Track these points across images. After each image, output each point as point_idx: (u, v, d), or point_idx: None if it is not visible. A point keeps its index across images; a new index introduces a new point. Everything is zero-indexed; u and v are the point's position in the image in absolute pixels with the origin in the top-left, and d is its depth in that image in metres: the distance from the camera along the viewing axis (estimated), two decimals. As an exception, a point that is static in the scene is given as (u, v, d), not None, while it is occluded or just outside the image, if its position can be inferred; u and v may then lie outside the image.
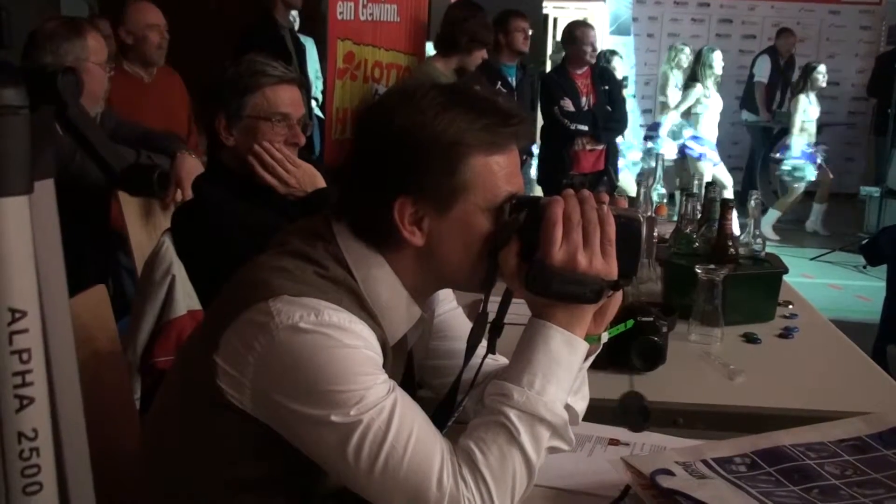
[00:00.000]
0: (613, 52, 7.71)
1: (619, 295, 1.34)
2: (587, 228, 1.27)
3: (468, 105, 1.29)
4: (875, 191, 7.99)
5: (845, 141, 9.39)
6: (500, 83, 5.46)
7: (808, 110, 8.14)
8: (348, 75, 5.59)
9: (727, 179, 7.83)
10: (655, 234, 2.63)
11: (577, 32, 5.78)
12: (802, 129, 8.14)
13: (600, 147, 5.82)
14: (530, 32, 5.80)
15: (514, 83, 5.64)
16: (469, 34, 4.83)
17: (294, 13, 7.69)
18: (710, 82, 7.64)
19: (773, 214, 8.31)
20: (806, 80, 8.20)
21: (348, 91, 5.55)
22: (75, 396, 1.01)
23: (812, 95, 8.16)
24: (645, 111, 9.48)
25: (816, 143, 8.17)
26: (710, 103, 7.71)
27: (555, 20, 13.73)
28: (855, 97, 10.03)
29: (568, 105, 5.61)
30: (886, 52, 9.46)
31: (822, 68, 8.12)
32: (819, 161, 8.08)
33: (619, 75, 7.32)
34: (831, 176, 8.31)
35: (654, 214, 3.22)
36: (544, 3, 12.42)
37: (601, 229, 1.27)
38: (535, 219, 1.28)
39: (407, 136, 1.27)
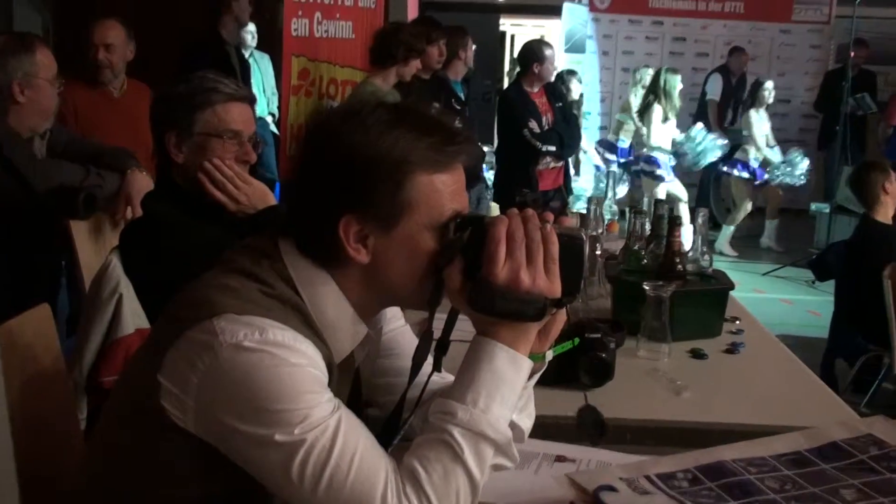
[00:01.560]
0: (572, 73, 7.77)
1: (562, 313, 1.35)
2: (530, 247, 1.28)
3: (413, 124, 1.30)
4: (824, 207, 8.13)
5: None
6: (452, 99, 5.48)
7: (759, 125, 8.29)
8: (303, 91, 5.59)
9: (682, 193, 7.92)
10: (599, 251, 2.65)
11: (544, 51, 5.75)
12: (754, 145, 8.28)
13: (560, 164, 5.86)
14: (472, 48, 5.85)
15: (464, 98, 5.67)
16: (404, 44, 4.81)
17: (252, 29, 7.70)
18: (668, 104, 7.73)
19: (728, 230, 8.42)
20: (754, 96, 8.36)
21: (303, 107, 5.55)
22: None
23: (762, 111, 8.30)
24: (601, 128, 9.57)
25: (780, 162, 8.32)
26: (667, 125, 7.79)
27: (512, 37, 13.91)
28: (805, 114, 10.21)
29: (534, 126, 5.61)
30: (834, 70, 9.65)
31: (769, 84, 8.28)
32: (766, 178, 8.21)
33: (575, 94, 7.39)
34: (780, 192, 8.44)
35: (605, 231, 3.27)
36: (501, 21, 12.58)
37: (544, 248, 1.28)
38: (479, 237, 1.29)
39: (352, 154, 1.28)
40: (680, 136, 7.87)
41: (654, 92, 7.74)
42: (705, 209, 2.61)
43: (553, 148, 5.63)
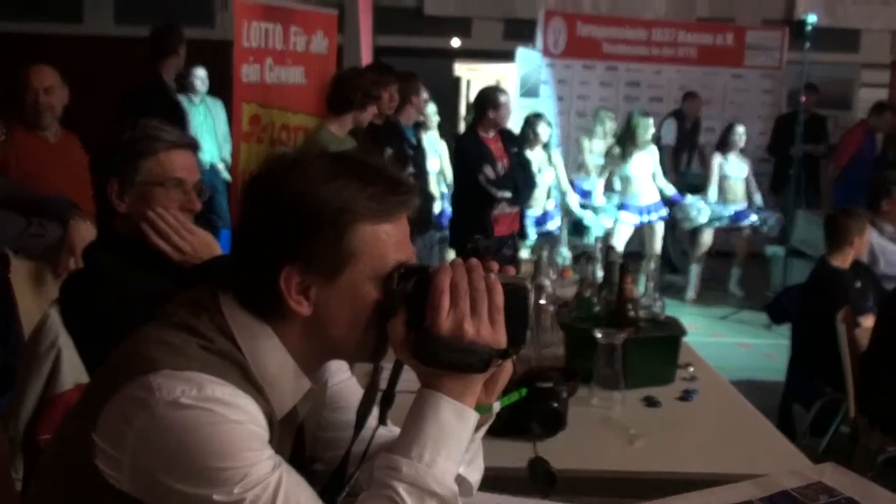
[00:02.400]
0: (538, 116, 7.78)
1: (509, 364, 1.35)
2: (475, 297, 1.28)
3: (356, 173, 1.30)
4: (780, 250, 8.24)
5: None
6: (404, 143, 5.50)
7: (726, 169, 8.36)
8: (254, 138, 5.59)
9: (656, 243, 7.98)
10: (544, 301, 2.66)
11: (500, 98, 5.79)
12: (722, 189, 8.37)
13: (516, 209, 5.89)
14: (425, 94, 5.89)
15: (416, 143, 5.70)
16: (362, 89, 4.82)
17: (202, 75, 7.71)
18: (638, 147, 7.81)
19: (694, 270, 8.46)
20: (726, 140, 8.42)
21: (254, 154, 5.54)
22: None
23: (731, 156, 8.38)
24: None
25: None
26: (636, 170, 7.86)
27: (468, 82, 14.02)
28: (759, 158, 10.36)
29: (490, 172, 5.64)
30: (786, 114, 9.84)
31: (740, 129, 8.36)
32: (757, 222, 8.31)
33: (544, 138, 7.45)
34: (752, 234, 8.55)
35: (559, 277, 3.28)
36: (456, 66, 12.70)
37: (489, 298, 1.28)
38: (423, 288, 1.29)
39: (293, 204, 1.27)
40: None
41: (625, 137, 7.83)
42: (657, 255, 2.64)
43: (508, 194, 5.66)
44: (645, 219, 7.94)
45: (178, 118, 5.45)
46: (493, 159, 5.71)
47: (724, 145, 8.41)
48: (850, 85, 11.08)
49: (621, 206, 7.87)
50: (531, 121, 7.51)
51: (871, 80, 11.00)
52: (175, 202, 2.13)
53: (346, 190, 1.28)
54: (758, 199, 8.49)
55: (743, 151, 8.49)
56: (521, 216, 5.98)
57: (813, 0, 11.25)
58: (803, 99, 8.33)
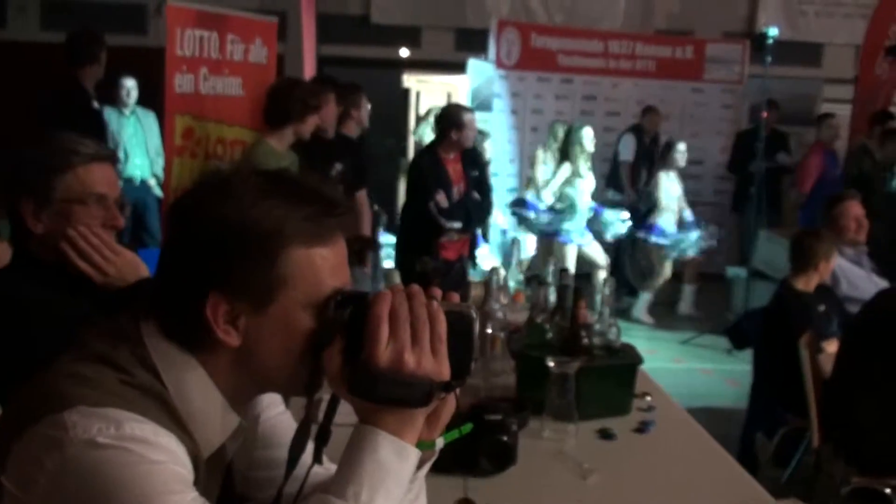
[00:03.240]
0: (481, 133, 7.83)
1: (452, 398, 1.34)
2: (416, 326, 1.26)
3: (289, 192, 1.28)
4: (741, 271, 8.34)
5: (711, 220, 9.77)
6: (357, 158, 5.48)
7: (668, 188, 8.48)
8: (188, 153, 5.54)
9: (601, 257, 8.03)
10: (490, 329, 2.65)
11: (463, 117, 5.73)
12: (667, 209, 8.46)
13: (466, 236, 5.86)
14: (367, 106, 5.87)
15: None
16: (300, 100, 4.79)
17: (130, 84, 7.63)
18: (581, 160, 7.87)
19: (644, 297, 8.56)
20: (665, 158, 8.57)
21: (188, 169, 5.49)
22: None
23: (672, 173, 8.50)
24: (510, 190, 9.67)
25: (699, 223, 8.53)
26: (581, 183, 7.92)
27: (417, 94, 14.06)
28: (719, 175, 10.50)
29: (442, 200, 5.59)
30: (746, 130, 9.99)
31: (681, 146, 8.51)
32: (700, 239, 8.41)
33: (486, 156, 7.48)
34: (701, 258, 8.64)
35: (510, 301, 3.27)
36: (404, 77, 12.73)
37: (430, 326, 1.26)
38: (361, 316, 1.27)
39: (221, 225, 1.25)
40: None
41: (566, 149, 7.90)
42: (611, 278, 2.64)
43: (458, 225, 5.66)
44: (583, 241, 7.99)
45: (99, 129, 5.39)
46: (448, 183, 5.68)
47: (664, 163, 8.54)
48: (812, 100, 11.30)
49: (563, 222, 7.94)
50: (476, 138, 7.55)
51: (834, 95, 11.22)
52: (97, 219, 2.09)
53: (277, 211, 1.26)
54: (687, 214, 8.60)
55: (679, 171, 8.62)
56: (472, 241, 5.97)
57: (774, 13, 11.49)
58: (764, 115, 8.46)
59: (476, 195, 5.82)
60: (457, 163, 5.78)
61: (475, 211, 5.79)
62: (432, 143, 5.90)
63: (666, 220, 8.45)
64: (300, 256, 1.27)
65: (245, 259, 1.25)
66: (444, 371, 1.27)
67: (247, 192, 1.27)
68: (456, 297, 1.34)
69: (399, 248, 6.02)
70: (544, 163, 8.57)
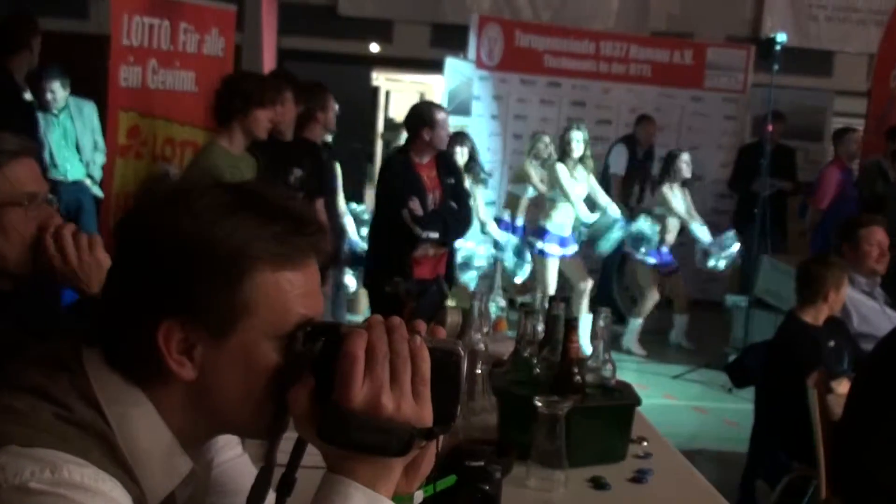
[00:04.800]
0: (459, 135, 7.82)
1: (433, 446, 1.31)
2: (395, 364, 1.24)
3: (255, 208, 1.26)
4: (741, 300, 8.37)
5: (710, 243, 9.82)
6: (317, 164, 5.44)
7: (677, 202, 8.51)
8: (132, 153, 5.50)
9: (583, 280, 8.04)
10: (479, 370, 2.63)
11: (434, 115, 5.71)
12: (671, 225, 8.52)
13: (442, 251, 5.83)
14: (335, 108, 5.83)
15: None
16: (243, 94, 4.75)
17: (55, 87, 7.51)
18: (571, 164, 7.91)
19: (635, 324, 8.56)
20: (668, 170, 8.58)
21: (132, 171, 5.45)
22: None
23: (676, 187, 8.54)
24: (488, 204, 9.64)
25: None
26: (576, 188, 7.94)
27: (387, 93, 14.07)
28: (718, 193, 10.57)
29: (417, 207, 5.55)
30: (750, 145, 10.05)
31: (685, 156, 8.54)
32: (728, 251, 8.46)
33: (461, 162, 7.46)
34: (683, 282, 8.70)
35: (491, 331, 3.25)
36: (374, 75, 12.74)
37: (412, 365, 1.24)
38: (333, 350, 1.25)
39: (177, 244, 1.23)
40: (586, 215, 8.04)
41: (562, 152, 7.95)
42: (606, 309, 2.61)
43: (435, 235, 5.61)
44: (569, 251, 8.01)
45: (29, 124, 5.34)
46: (422, 190, 5.64)
47: (667, 175, 8.56)
48: (821, 114, 11.39)
49: (542, 234, 7.95)
50: (458, 137, 7.55)
51: (846, 108, 11.35)
52: (34, 222, 2.05)
53: (242, 229, 1.24)
54: (704, 232, 8.63)
55: (686, 184, 8.65)
56: (450, 258, 5.94)
57: (782, 17, 11.61)
58: (769, 128, 8.51)
59: (453, 205, 5.78)
60: (431, 169, 5.75)
61: (454, 221, 5.76)
62: (403, 146, 5.87)
63: (701, 231, 8.51)
64: (266, 281, 1.25)
65: (204, 282, 1.23)
66: (427, 416, 1.25)
67: (208, 206, 1.25)
68: (442, 333, 1.32)
69: (368, 265, 5.98)
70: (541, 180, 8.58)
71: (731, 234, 8.52)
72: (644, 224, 8.28)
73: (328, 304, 5.81)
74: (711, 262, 8.48)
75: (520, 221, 8.79)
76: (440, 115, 5.73)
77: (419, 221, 5.57)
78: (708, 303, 9.30)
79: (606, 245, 8.17)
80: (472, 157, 7.93)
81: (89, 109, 7.57)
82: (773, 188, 8.93)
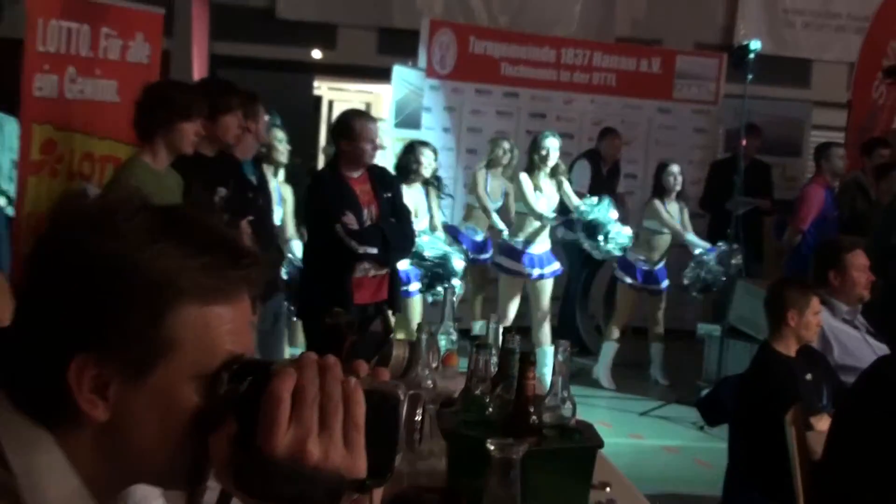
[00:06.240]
0: (424, 144, 7.84)
1: (368, 499, 1.30)
2: (326, 407, 1.23)
3: (185, 235, 1.26)
4: (714, 329, 8.42)
5: (680, 266, 9.84)
6: (243, 182, 5.41)
7: (670, 217, 8.56)
8: (47, 170, 5.44)
9: (545, 304, 8.05)
10: (419, 416, 2.60)
11: (353, 124, 5.72)
12: (647, 241, 8.54)
13: (384, 271, 5.82)
14: (266, 118, 5.81)
15: (256, 183, 5.60)
16: (166, 104, 4.71)
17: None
18: (542, 175, 7.92)
19: (608, 349, 8.56)
20: (658, 184, 8.62)
21: (46, 190, 5.39)
22: None
23: (670, 202, 8.57)
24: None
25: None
26: (539, 201, 7.96)
27: (330, 103, 14.06)
28: (689, 212, 10.61)
29: (351, 221, 5.53)
30: (722, 160, 10.14)
31: (674, 168, 8.58)
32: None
33: (427, 171, 7.47)
34: (662, 305, 8.71)
35: (440, 366, 3.25)
36: (316, 83, 12.74)
37: (345, 409, 1.23)
38: (260, 391, 1.24)
39: (96, 271, 1.22)
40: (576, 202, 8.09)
41: (532, 161, 7.97)
42: (566, 342, 2.61)
43: (374, 250, 5.59)
44: (536, 272, 8.02)
45: None
46: (357, 205, 5.63)
47: (660, 190, 8.58)
48: (799, 127, 11.51)
49: (508, 251, 7.97)
50: (415, 148, 7.54)
51: (825, 120, 11.50)
52: None
53: (170, 257, 1.23)
54: (703, 244, 8.72)
55: (681, 196, 8.71)
56: (392, 281, 5.92)
57: (756, 23, 11.77)
58: (743, 142, 8.59)
59: (393, 220, 5.77)
60: (364, 182, 5.75)
61: (394, 237, 5.73)
62: (333, 160, 5.91)
63: (650, 256, 8.54)
64: (193, 315, 1.25)
65: (124, 314, 1.22)
66: (359, 466, 1.24)
67: (132, 231, 1.24)
68: (385, 375, 1.31)
69: (302, 292, 5.94)
70: (486, 189, 8.59)
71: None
72: (597, 208, 8.28)
73: (270, 339, 5.77)
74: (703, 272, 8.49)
75: (477, 236, 8.76)
76: (360, 126, 5.73)
77: (354, 236, 5.56)
78: (678, 332, 9.32)
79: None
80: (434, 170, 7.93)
81: (11, 126, 7.40)
82: (747, 207, 9.00)
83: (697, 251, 8.62)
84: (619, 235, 8.18)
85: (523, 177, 7.93)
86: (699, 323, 9.11)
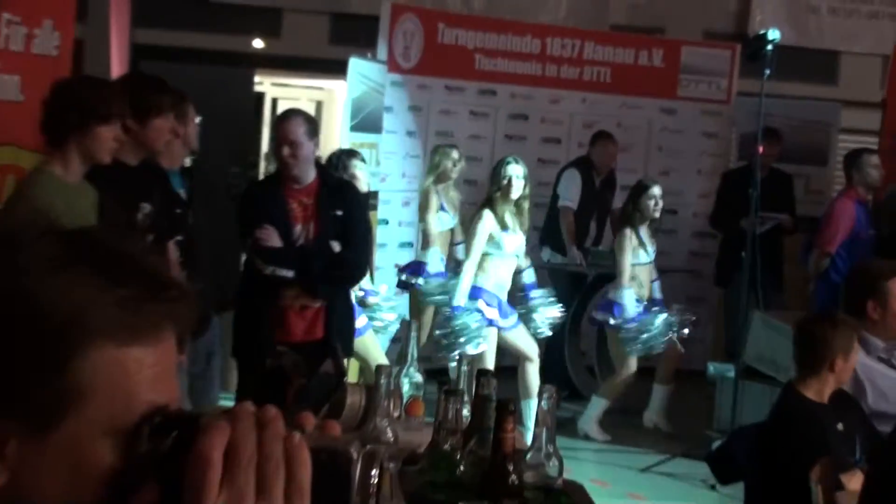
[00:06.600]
0: (352, 154, 7.74)
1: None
2: (264, 469, 1.22)
3: (98, 264, 1.26)
4: (727, 369, 8.41)
5: (687, 295, 9.87)
6: (170, 196, 5.41)
7: (638, 249, 8.51)
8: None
9: (532, 348, 8.03)
10: (374, 477, 2.60)
11: (276, 127, 5.81)
12: (633, 277, 8.52)
13: (317, 304, 5.78)
14: (197, 121, 5.80)
15: (186, 197, 5.59)
16: (80, 105, 4.68)
17: None
18: (507, 209, 7.87)
19: (597, 404, 8.55)
20: (635, 206, 8.56)
21: (-67, 206, 5.36)
22: None
23: (644, 229, 8.54)
24: (402, 245, 9.65)
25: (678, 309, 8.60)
26: (506, 239, 7.92)
27: (274, 101, 14.06)
28: (698, 232, 10.62)
29: (268, 236, 5.55)
30: (736, 170, 10.15)
31: (655, 190, 8.50)
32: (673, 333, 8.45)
33: (361, 186, 7.42)
34: (681, 349, 8.68)
35: (403, 415, 3.24)
36: (257, 78, 12.72)
37: (287, 471, 1.23)
38: (186, 449, 1.23)
39: None
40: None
41: (491, 194, 7.88)
42: (550, 387, 2.62)
43: (288, 273, 5.58)
44: (504, 324, 7.95)
45: None
46: (286, 219, 5.64)
47: (635, 213, 8.53)
48: (825, 130, 11.50)
49: (478, 292, 7.92)
50: (341, 160, 7.39)
51: (855, 123, 11.55)
52: None
53: (77, 291, 1.23)
54: (655, 288, 8.73)
55: (655, 222, 8.70)
56: (328, 316, 5.83)
57: (774, 10, 11.82)
58: (760, 149, 8.57)
59: (336, 245, 5.72)
60: (309, 196, 5.73)
61: (325, 260, 5.68)
62: (276, 170, 5.97)
63: (629, 295, 8.47)
64: (107, 359, 1.24)
65: (23, 360, 1.21)
66: (302, 538, 1.24)
67: (35, 258, 1.24)
68: (336, 428, 1.31)
69: (234, 324, 5.94)
70: (440, 209, 8.60)
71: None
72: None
73: (201, 384, 5.74)
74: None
75: (438, 266, 8.75)
76: (278, 125, 5.81)
77: (262, 253, 5.60)
78: (686, 373, 9.30)
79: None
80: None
81: None
82: (766, 225, 9.00)
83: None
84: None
85: (485, 213, 7.82)
86: (709, 362, 9.12)
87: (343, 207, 5.84)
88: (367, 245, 6.16)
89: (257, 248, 5.55)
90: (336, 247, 5.76)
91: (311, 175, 5.77)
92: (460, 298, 7.71)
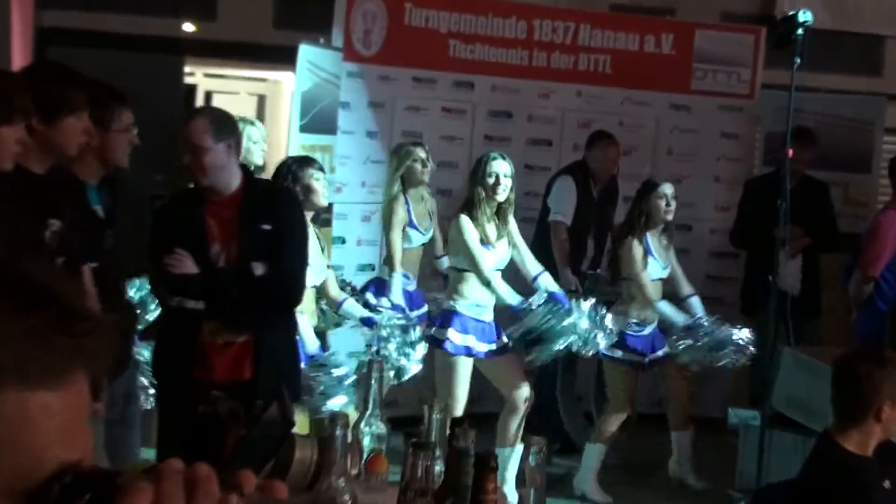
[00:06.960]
0: (306, 162, 7.70)
1: None
2: (195, 537, 1.24)
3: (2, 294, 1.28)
4: (752, 416, 8.43)
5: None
6: (86, 211, 5.41)
7: (650, 265, 8.52)
8: None
9: (517, 387, 8.02)
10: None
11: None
12: (644, 299, 8.53)
13: (240, 339, 5.72)
14: (134, 131, 5.77)
15: (102, 213, 5.58)
16: None
17: None
18: (488, 216, 7.85)
19: (593, 453, 8.55)
20: (641, 210, 8.56)
21: None
22: None
23: (653, 236, 8.54)
24: (362, 268, 9.62)
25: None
26: (490, 254, 7.92)
27: (207, 95, 14.08)
28: (716, 251, 10.64)
29: (179, 263, 5.53)
30: (762, 177, 10.18)
31: (666, 189, 8.46)
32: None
33: (320, 202, 7.41)
34: (688, 383, 8.70)
35: (363, 473, 3.24)
36: (188, 68, 12.72)
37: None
38: None
39: None
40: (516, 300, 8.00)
41: (472, 197, 7.83)
42: (540, 439, 2.63)
43: (197, 304, 5.57)
44: (483, 349, 7.93)
45: None
46: (202, 238, 5.62)
47: (641, 219, 8.51)
48: (867, 130, 11.54)
49: (447, 317, 7.89)
50: (292, 170, 7.30)
51: (902, 121, 11.59)
52: None
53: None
54: (694, 303, 8.77)
55: (665, 231, 8.72)
56: (257, 352, 5.75)
57: (806, -12, 11.85)
58: (790, 153, 8.59)
59: (259, 268, 5.65)
60: (231, 209, 5.69)
61: (254, 290, 5.65)
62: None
63: (664, 309, 8.48)
64: (7, 406, 1.26)
65: None
66: None
67: None
68: (282, 490, 1.32)
69: (153, 364, 5.96)
70: (410, 225, 8.60)
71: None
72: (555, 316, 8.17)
73: (120, 432, 5.73)
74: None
75: (408, 285, 8.74)
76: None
77: (166, 283, 5.63)
78: (703, 420, 9.32)
79: (545, 354, 8.05)
80: None
81: None
82: (799, 245, 9.02)
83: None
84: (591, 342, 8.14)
85: (464, 221, 7.74)
86: (730, 407, 9.13)
87: (272, 220, 5.74)
88: (300, 260, 5.98)
89: (161, 276, 5.56)
90: (259, 269, 5.67)
91: (231, 184, 5.71)
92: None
